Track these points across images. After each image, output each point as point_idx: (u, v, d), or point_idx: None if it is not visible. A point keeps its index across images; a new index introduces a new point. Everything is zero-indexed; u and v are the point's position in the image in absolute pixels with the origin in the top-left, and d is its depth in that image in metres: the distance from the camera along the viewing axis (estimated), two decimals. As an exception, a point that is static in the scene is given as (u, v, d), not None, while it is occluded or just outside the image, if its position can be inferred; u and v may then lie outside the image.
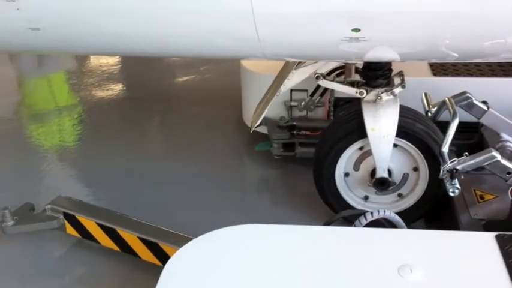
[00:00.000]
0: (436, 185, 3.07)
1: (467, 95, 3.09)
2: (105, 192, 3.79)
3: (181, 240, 2.68)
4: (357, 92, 3.05)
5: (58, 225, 3.22)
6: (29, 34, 2.70)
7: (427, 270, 1.90)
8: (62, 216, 3.21)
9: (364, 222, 2.35)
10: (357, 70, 3.44)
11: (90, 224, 3.13)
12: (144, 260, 2.99)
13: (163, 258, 2.84)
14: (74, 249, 3.28)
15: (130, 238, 3.01)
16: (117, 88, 5.65)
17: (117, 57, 6.32)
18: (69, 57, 6.40)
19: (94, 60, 6.36)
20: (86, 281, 3.07)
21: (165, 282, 1.93)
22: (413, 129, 3.05)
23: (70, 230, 3.23)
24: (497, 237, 2.05)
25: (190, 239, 2.66)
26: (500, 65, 3.91)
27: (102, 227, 3.09)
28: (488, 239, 2.06)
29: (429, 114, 3.15)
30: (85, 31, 2.71)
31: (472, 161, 2.67)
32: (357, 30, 2.41)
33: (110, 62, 6.26)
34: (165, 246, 2.89)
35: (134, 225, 3.05)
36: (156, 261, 2.94)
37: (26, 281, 3.10)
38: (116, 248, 3.10)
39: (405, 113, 3.06)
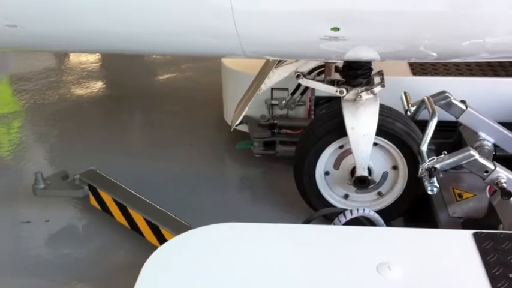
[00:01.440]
0: (415, 183, 3.09)
1: (446, 94, 3.12)
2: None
3: (180, 228, 2.86)
4: (337, 91, 3.06)
5: (83, 195, 3.46)
6: (6, 31, 2.67)
7: (405, 268, 1.91)
8: (87, 188, 3.44)
9: (343, 220, 2.35)
10: (337, 69, 3.45)
11: (108, 199, 3.34)
12: (148, 240, 3.11)
13: (163, 241, 2.82)
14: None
15: (138, 217, 3.16)
16: (96, 86, 5.60)
17: (97, 54, 6.25)
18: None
19: (73, 58, 6.29)
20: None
21: (143, 281, 1.92)
22: (393, 128, 3.07)
23: (93, 201, 3.46)
24: (475, 235, 2.07)
25: (190, 228, 2.73)
26: (479, 64, 3.95)
27: (117, 203, 3.28)
28: (466, 237, 2.08)
29: (408, 113, 3.17)
30: (63, 28, 2.68)
31: (450, 160, 2.69)
32: (336, 29, 2.42)
33: (90, 59, 6.20)
34: (164, 230, 3.00)
35: (143, 206, 3.21)
36: (157, 243, 3.00)
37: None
38: (126, 225, 3.26)
39: (385, 112, 3.08)
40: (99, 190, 3.38)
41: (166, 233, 2.99)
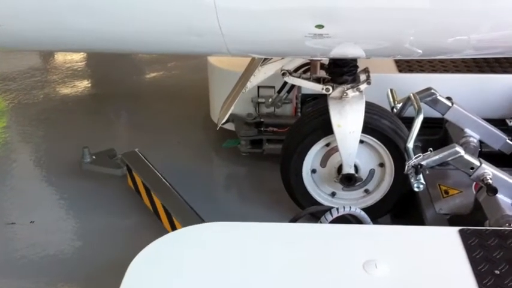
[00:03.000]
0: (401, 180, 3.09)
1: (432, 91, 3.13)
2: (67, 191, 3.74)
3: (191, 219, 2.96)
4: (323, 89, 3.05)
5: (121, 174, 3.72)
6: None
7: (392, 265, 1.92)
8: (125, 168, 3.65)
9: (330, 218, 2.36)
10: (322, 67, 3.45)
11: (139, 181, 3.51)
12: (165, 227, 3.22)
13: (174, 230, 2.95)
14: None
15: (158, 203, 3.29)
16: (82, 85, 5.56)
17: (82, 53, 6.20)
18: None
19: (58, 57, 6.24)
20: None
21: (129, 280, 1.90)
22: (379, 125, 3.07)
23: (129, 181, 3.66)
24: (461, 232, 2.08)
25: (202, 221, 2.83)
26: (464, 61, 3.97)
27: (144, 186, 3.44)
28: (452, 233, 2.09)
29: (395, 110, 3.18)
30: (46, 27, 2.65)
31: (436, 157, 2.69)
32: (320, 26, 2.40)
33: (75, 58, 6.15)
34: (175, 220, 3.08)
35: (165, 193, 3.34)
36: (170, 230, 3.04)
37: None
38: (150, 208, 3.39)
39: (371, 109, 3.08)
40: (133, 171, 3.55)
41: (177, 223, 3.06)
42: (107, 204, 3.61)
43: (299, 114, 3.87)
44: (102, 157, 3.88)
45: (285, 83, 3.78)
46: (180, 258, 2.02)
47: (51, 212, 3.54)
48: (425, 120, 2.87)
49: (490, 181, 2.61)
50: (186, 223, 2.80)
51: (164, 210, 3.22)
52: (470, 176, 2.69)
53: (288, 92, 3.87)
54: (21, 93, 5.36)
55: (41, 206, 3.60)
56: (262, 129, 3.93)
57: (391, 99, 3.22)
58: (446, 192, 3.10)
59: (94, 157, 3.84)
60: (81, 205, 3.61)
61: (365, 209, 2.58)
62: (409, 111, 3.06)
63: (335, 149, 3.13)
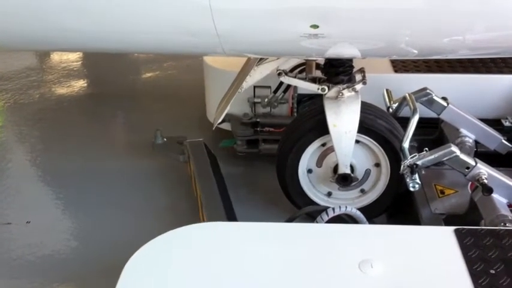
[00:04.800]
0: (397, 180, 3.10)
1: (428, 91, 3.13)
2: (63, 191, 3.73)
3: (217, 216, 3.00)
4: (318, 89, 3.06)
5: (183, 160, 3.83)
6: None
7: (387, 264, 1.92)
8: (187, 155, 3.75)
9: (326, 218, 2.37)
10: (318, 66, 3.46)
11: (192, 170, 3.59)
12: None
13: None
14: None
15: (199, 193, 3.34)
16: (77, 85, 5.55)
17: (78, 53, 6.19)
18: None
19: (54, 57, 6.23)
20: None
21: (125, 280, 1.90)
22: (375, 125, 3.07)
23: (187, 168, 3.75)
24: (456, 232, 2.08)
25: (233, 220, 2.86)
26: (460, 61, 3.98)
27: (193, 175, 3.52)
28: (448, 233, 2.10)
29: (390, 110, 3.18)
30: (42, 27, 2.65)
31: (432, 156, 2.69)
32: (315, 26, 2.41)
33: (71, 58, 6.14)
34: (204, 214, 3.11)
35: (207, 185, 3.37)
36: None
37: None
38: (195, 195, 3.47)
39: (366, 109, 3.08)
40: (190, 160, 3.66)
41: (205, 217, 3.09)
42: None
43: (295, 114, 3.87)
44: (173, 142, 4.01)
45: (281, 83, 3.78)
46: (176, 258, 2.02)
47: (48, 212, 3.54)
48: (421, 120, 2.87)
49: (485, 181, 2.62)
50: (212, 219, 2.87)
51: (200, 202, 3.26)
52: (465, 175, 2.70)
53: (284, 92, 3.87)
54: (17, 93, 5.35)
55: (38, 206, 3.59)
56: (258, 129, 3.92)
57: (387, 99, 3.22)
58: (442, 192, 3.10)
59: (165, 139, 3.99)
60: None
61: (361, 209, 2.59)
62: (405, 111, 3.06)
63: (331, 149, 3.14)
